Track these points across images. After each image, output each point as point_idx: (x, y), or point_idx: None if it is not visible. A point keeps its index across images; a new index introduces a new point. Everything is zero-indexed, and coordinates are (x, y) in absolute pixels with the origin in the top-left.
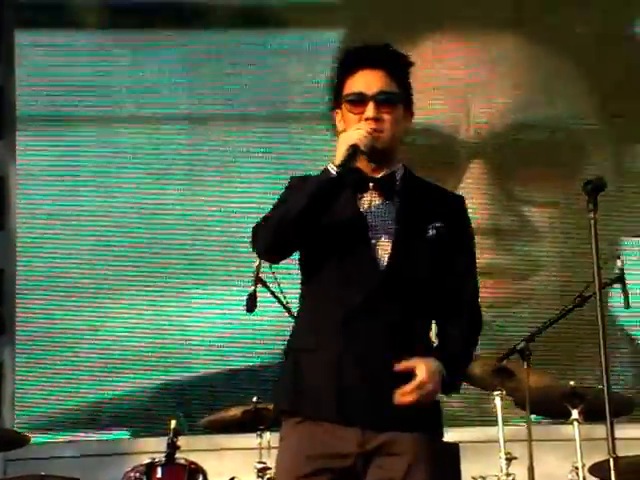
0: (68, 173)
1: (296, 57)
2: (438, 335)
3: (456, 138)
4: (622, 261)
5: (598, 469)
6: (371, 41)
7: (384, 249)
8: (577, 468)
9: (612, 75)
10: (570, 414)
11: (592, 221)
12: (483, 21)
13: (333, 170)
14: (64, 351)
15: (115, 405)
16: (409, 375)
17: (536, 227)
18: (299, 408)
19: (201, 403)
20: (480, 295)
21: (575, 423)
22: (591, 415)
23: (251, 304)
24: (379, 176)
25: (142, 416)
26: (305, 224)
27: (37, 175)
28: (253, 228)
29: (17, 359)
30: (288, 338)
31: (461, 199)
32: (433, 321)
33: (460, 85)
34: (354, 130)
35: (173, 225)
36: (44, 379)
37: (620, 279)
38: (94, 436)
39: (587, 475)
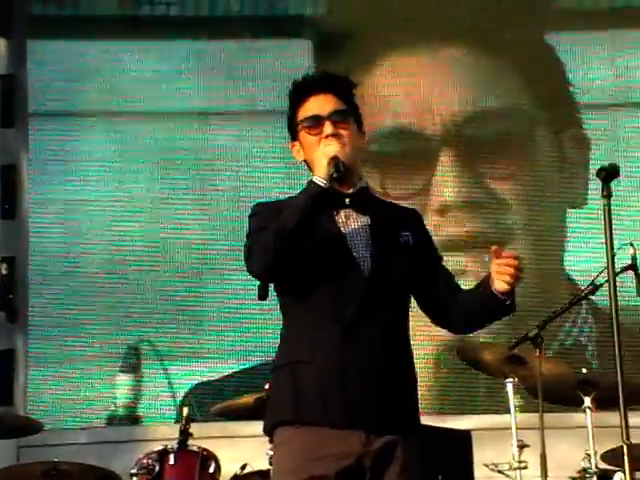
0: (78, 163)
1: None
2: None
3: (424, 134)
4: (634, 248)
5: (611, 456)
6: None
7: (365, 261)
8: (590, 455)
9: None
10: (583, 402)
11: (606, 207)
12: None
13: (321, 183)
14: (76, 339)
15: (127, 392)
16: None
17: (502, 199)
18: (303, 416)
19: (213, 390)
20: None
21: (587, 411)
22: (604, 403)
23: (263, 293)
24: (351, 192)
25: (155, 403)
26: (301, 238)
27: (48, 164)
28: (245, 252)
29: (30, 347)
30: (278, 353)
31: (416, 210)
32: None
33: (419, 90)
34: (326, 146)
35: (182, 217)
36: (57, 367)
37: (632, 267)
38: (106, 423)
39: (600, 462)
